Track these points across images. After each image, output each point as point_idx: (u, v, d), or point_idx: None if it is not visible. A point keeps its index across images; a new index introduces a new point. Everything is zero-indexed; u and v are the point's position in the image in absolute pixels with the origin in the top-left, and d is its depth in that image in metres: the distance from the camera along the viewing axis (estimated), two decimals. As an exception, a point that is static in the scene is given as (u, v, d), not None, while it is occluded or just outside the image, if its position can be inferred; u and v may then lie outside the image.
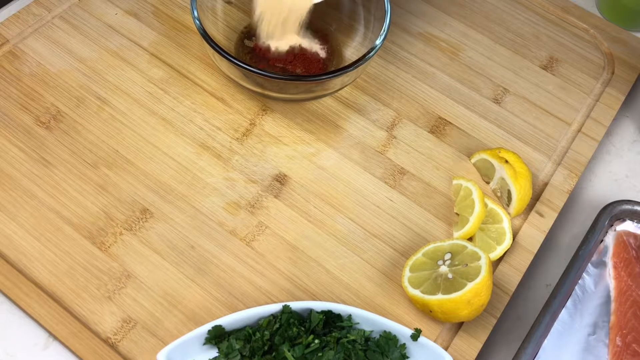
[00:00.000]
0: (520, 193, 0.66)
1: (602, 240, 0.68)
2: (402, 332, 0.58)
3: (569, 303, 0.64)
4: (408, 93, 0.77)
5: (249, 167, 0.69)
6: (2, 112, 0.70)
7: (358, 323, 0.59)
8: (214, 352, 0.57)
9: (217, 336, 0.57)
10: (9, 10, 0.79)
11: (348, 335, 0.57)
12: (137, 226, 0.64)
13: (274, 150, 0.71)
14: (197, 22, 0.67)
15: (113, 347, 0.58)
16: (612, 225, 0.68)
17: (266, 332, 0.56)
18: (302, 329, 0.57)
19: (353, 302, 0.62)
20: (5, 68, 0.73)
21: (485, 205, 0.67)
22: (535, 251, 0.67)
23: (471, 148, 0.74)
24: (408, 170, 0.71)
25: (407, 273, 0.62)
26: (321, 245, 0.65)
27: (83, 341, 0.58)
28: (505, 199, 0.68)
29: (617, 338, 0.62)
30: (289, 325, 0.57)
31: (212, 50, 0.66)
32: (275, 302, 0.61)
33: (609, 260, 0.67)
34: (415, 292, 0.60)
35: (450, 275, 0.59)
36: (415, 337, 0.57)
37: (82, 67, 0.74)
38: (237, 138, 0.71)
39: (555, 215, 0.69)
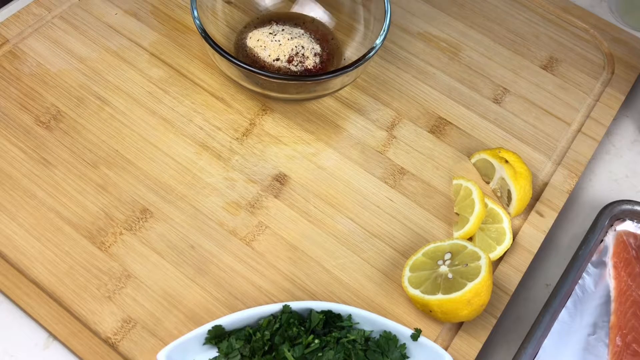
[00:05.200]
0: (520, 193, 0.66)
1: (602, 240, 0.68)
2: (402, 332, 0.58)
3: (569, 303, 0.64)
4: (408, 93, 0.77)
5: (249, 167, 0.69)
6: (2, 112, 0.70)
7: (358, 323, 0.59)
8: (214, 352, 0.57)
9: (217, 336, 0.57)
10: (9, 10, 0.79)
11: (348, 335, 0.57)
12: (137, 226, 0.64)
13: (274, 150, 0.71)
14: (197, 22, 0.67)
15: (113, 347, 0.58)
16: (612, 225, 0.68)
17: (266, 332, 0.56)
18: (302, 329, 0.57)
19: (353, 302, 0.62)
20: (5, 68, 0.73)
21: (485, 205, 0.67)
22: (535, 251, 0.67)
23: (471, 148, 0.74)
24: (408, 170, 0.71)
25: (407, 273, 0.62)
26: (321, 245, 0.65)
27: (83, 341, 0.58)
28: (505, 199, 0.68)
29: (617, 338, 0.62)
30: (289, 325, 0.57)
31: (212, 50, 0.66)
32: (275, 302, 0.61)
33: (609, 260, 0.67)
34: (415, 292, 0.60)
35: (450, 275, 0.59)
36: (415, 337, 0.57)
37: (82, 67, 0.74)
38: (237, 138, 0.71)
39: (555, 215, 0.69)
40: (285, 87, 0.68)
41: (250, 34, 0.75)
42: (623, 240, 0.67)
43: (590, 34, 0.85)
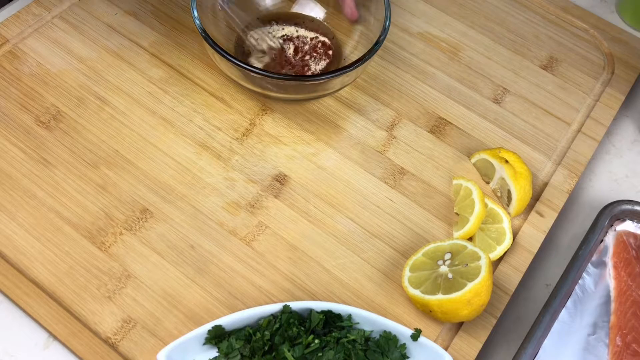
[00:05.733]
0: (520, 193, 0.66)
1: (602, 240, 0.68)
2: (402, 332, 0.58)
3: (569, 303, 0.64)
4: (408, 93, 0.77)
5: (249, 167, 0.69)
6: (2, 112, 0.70)
7: (358, 323, 0.59)
8: (214, 352, 0.57)
9: (217, 336, 0.57)
10: (9, 10, 0.79)
11: (348, 335, 0.57)
12: (137, 226, 0.64)
13: (274, 150, 0.71)
14: (197, 22, 0.67)
15: (113, 347, 0.58)
16: (612, 225, 0.68)
17: (266, 332, 0.56)
18: (302, 329, 0.57)
19: (353, 302, 0.62)
20: (5, 68, 0.73)
21: (485, 205, 0.67)
22: (535, 251, 0.67)
23: (471, 148, 0.74)
24: (408, 170, 0.71)
25: (407, 273, 0.62)
26: (321, 245, 0.65)
27: (83, 341, 0.58)
28: (505, 199, 0.68)
29: (617, 338, 0.62)
30: (289, 325, 0.57)
31: (212, 50, 0.66)
32: (275, 302, 0.61)
33: (609, 260, 0.67)
34: (415, 292, 0.60)
35: (450, 275, 0.59)
36: (415, 337, 0.57)
37: (82, 67, 0.74)
38: (237, 138, 0.71)
39: (555, 215, 0.69)
40: (285, 87, 0.68)
41: (250, 34, 0.75)
42: (623, 240, 0.67)
43: (590, 34, 0.85)
